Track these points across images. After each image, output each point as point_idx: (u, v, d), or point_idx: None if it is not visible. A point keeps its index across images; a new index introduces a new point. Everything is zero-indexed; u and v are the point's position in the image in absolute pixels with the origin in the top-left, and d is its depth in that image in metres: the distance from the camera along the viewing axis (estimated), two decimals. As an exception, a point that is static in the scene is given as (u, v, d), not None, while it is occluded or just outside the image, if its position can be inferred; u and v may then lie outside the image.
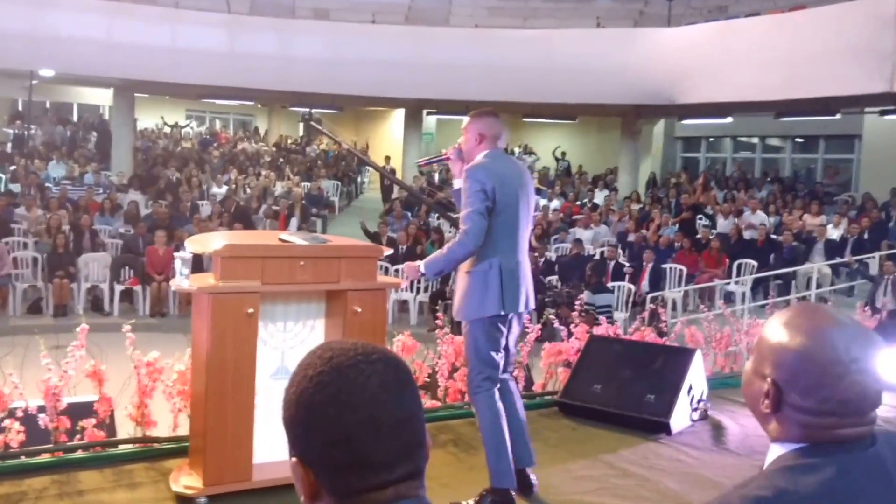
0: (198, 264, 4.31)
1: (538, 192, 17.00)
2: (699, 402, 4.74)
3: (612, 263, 10.61)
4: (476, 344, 3.28)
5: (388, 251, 4.07)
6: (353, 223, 15.42)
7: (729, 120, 16.13)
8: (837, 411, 1.12)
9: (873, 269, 10.64)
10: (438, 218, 13.47)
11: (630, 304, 9.91)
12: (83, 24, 14.04)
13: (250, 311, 3.24)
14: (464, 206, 3.21)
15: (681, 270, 10.81)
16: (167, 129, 22.20)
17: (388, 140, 22.84)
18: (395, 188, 16.63)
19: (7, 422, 3.43)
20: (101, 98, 20.95)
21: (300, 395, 0.92)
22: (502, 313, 3.26)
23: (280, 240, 3.50)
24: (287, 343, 3.52)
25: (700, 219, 13.41)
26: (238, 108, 24.01)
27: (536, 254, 10.89)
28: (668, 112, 16.66)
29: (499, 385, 3.35)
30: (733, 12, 16.77)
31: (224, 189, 15.75)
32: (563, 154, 20.14)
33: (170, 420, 3.81)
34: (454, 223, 10.30)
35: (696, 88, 13.95)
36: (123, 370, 3.82)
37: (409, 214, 13.76)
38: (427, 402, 4.62)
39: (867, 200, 13.64)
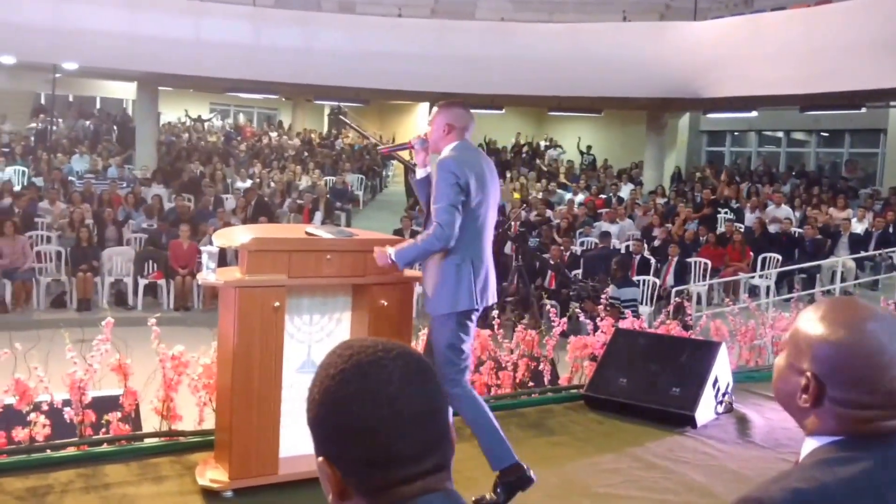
0: (221, 258, 4.32)
1: (564, 187, 16.96)
2: (724, 395, 4.71)
3: (638, 258, 10.53)
4: (451, 338, 3.22)
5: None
6: (377, 217, 15.44)
7: (754, 114, 15.94)
8: (879, 404, 1.12)
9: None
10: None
11: (655, 298, 9.84)
12: (106, 16, 14.14)
13: (277, 304, 3.23)
14: (438, 200, 3.14)
15: (705, 264, 10.71)
16: (190, 123, 22.34)
17: (412, 134, 22.33)
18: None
19: (33, 415, 3.45)
20: (125, 92, 21.11)
21: (323, 394, 0.92)
22: (476, 307, 3.21)
23: (306, 233, 3.49)
24: (313, 336, 3.51)
25: (725, 212, 13.28)
26: (262, 101, 24.07)
27: (562, 247, 10.83)
28: (694, 106, 16.50)
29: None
30: (759, 6, 16.54)
31: (248, 183, 15.83)
32: (589, 147, 20.00)
33: (195, 414, 3.81)
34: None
35: (721, 82, 13.80)
36: (148, 364, 3.83)
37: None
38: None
39: (893, 194, 13.49)
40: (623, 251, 11.05)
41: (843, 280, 10.48)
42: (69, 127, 19.64)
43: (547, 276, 10.37)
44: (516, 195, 15.32)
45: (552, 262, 10.30)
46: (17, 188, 13.26)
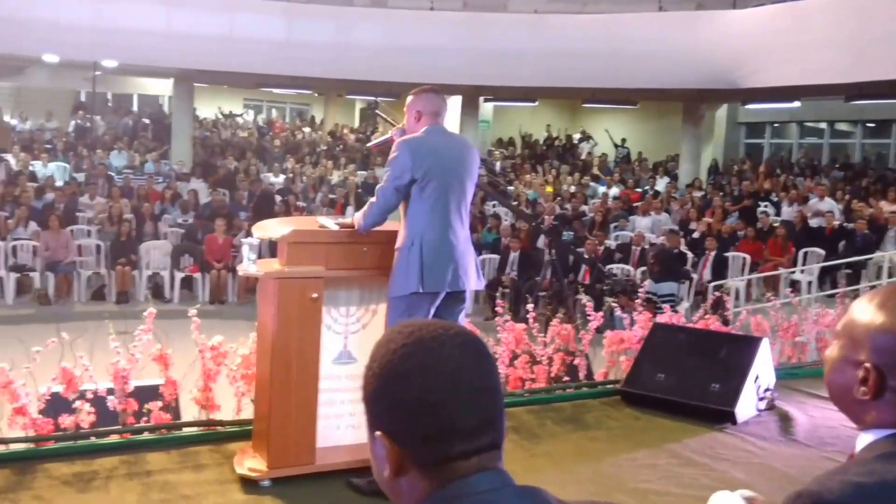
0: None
1: (597, 180, 16.81)
2: (766, 391, 4.62)
3: (676, 252, 10.39)
4: (402, 318, 3.19)
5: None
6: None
7: (796, 104, 15.57)
8: None
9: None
10: (495, 205, 13.39)
11: (692, 293, 9.71)
12: (144, 14, 14.36)
13: (315, 295, 3.25)
14: (383, 179, 3.24)
15: (744, 259, 10.53)
16: (222, 119, 22.60)
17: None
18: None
19: (78, 403, 3.52)
20: (161, 88, 21.44)
21: (384, 368, 0.94)
22: (420, 291, 3.16)
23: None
24: (350, 328, 3.53)
25: (765, 206, 13.03)
26: (294, 97, 24.27)
27: (596, 241, 10.75)
28: (732, 97, 16.21)
29: None
30: (801, -7, 16.18)
31: (281, 178, 15.95)
32: (623, 140, 19.80)
33: (233, 404, 3.86)
34: (512, 209, 10.27)
35: (761, 72, 13.52)
36: (186, 355, 3.88)
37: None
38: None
39: (943, 185, 13.08)
40: (658, 245, 10.91)
41: (890, 276, 10.22)
42: (110, 124, 20.01)
43: (581, 271, 10.29)
44: (549, 189, 15.22)
45: (586, 257, 10.22)
46: (58, 183, 13.53)
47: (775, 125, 20.27)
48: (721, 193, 14.02)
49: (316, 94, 23.72)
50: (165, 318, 4.08)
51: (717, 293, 6.18)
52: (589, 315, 5.02)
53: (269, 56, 14.76)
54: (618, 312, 5.36)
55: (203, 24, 14.69)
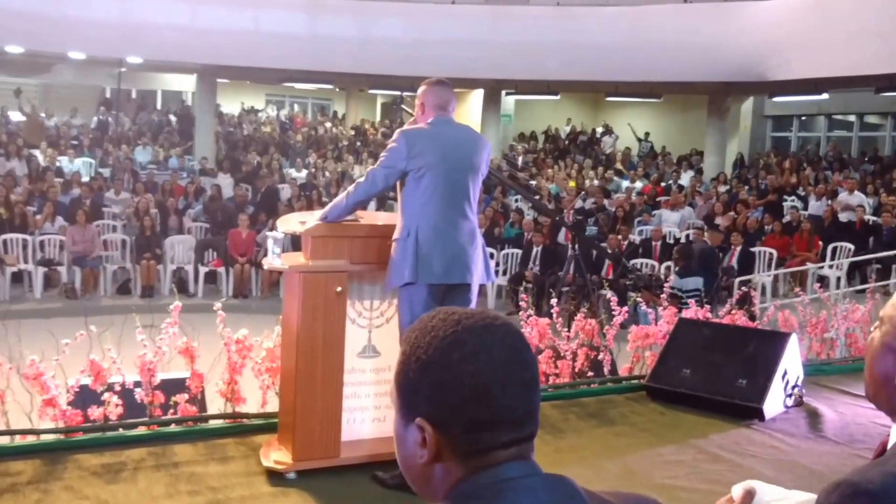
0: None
1: (620, 174, 16.68)
2: (794, 387, 4.56)
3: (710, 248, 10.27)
4: (404, 312, 3.21)
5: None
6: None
7: (824, 96, 15.31)
8: None
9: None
10: (517, 199, 13.35)
11: (717, 289, 9.60)
12: (169, 10, 14.47)
13: (339, 289, 3.26)
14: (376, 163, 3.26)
15: (771, 254, 10.40)
16: (246, 115, 22.75)
17: (466, 121, 22.56)
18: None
19: (106, 395, 3.56)
20: (184, 84, 21.61)
21: (432, 355, 0.93)
22: (412, 282, 3.13)
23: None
24: (374, 322, 3.53)
25: (791, 200, 12.85)
26: (316, 92, 24.33)
27: (620, 236, 10.67)
28: (759, 89, 15.97)
29: None
30: (831, -17, 15.90)
31: (304, 173, 16.01)
32: (647, 134, 19.62)
33: (258, 396, 3.88)
34: (533, 203, 10.21)
35: (788, 64, 13.31)
36: (211, 348, 3.91)
37: (489, 197, 13.69)
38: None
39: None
40: (683, 240, 10.82)
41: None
42: (133, 120, 20.22)
43: (605, 266, 10.23)
44: (571, 183, 15.14)
45: (609, 252, 10.16)
46: (84, 179, 13.69)
47: (803, 118, 19.96)
48: (747, 188, 13.84)
49: (338, 89, 23.77)
50: (190, 311, 4.11)
51: (744, 288, 6.10)
52: (613, 310, 4.98)
53: (291, 51, 14.81)
54: (642, 307, 5.31)
55: (226, 21, 14.77)
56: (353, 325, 3.45)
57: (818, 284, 8.78)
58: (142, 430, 3.60)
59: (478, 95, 19.09)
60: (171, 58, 15.10)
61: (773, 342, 4.62)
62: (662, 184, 15.11)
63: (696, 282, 8.80)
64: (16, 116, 18.16)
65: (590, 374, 4.83)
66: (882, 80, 12.82)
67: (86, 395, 3.54)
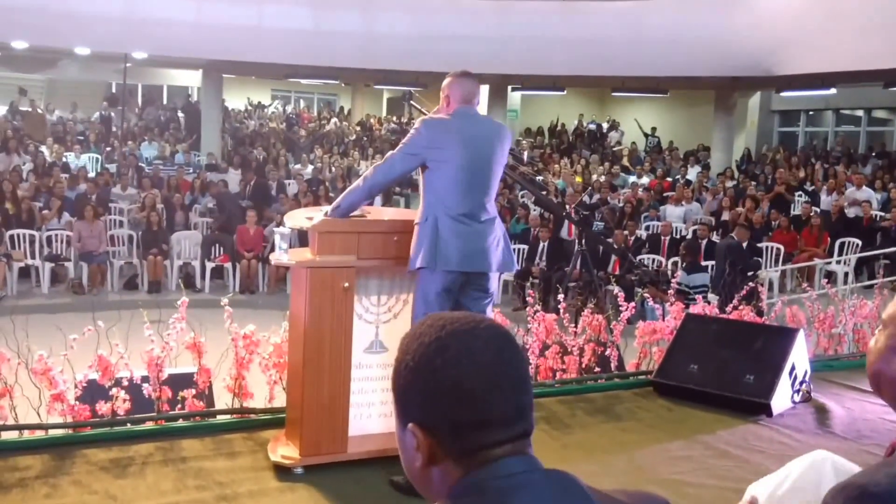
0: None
1: (627, 170, 16.62)
2: (801, 383, 4.54)
3: (705, 242, 10.26)
4: (416, 300, 3.25)
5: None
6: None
7: (832, 91, 15.22)
8: None
9: None
10: (524, 195, 13.31)
11: (721, 284, 9.58)
12: (173, 5, 14.45)
13: (346, 285, 3.25)
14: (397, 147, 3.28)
15: (778, 249, 10.36)
16: (253, 110, 22.76)
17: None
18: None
19: (114, 390, 3.57)
20: (190, 80, 21.63)
21: (419, 360, 0.95)
22: (424, 266, 3.15)
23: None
24: (381, 317, 3.53)
25: (799, 195, 12.80)
26: (322, 87, 24.33)
27: (627, 231, 10.63)
28: (766, 84, 15.91)
29: None
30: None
31: (310, 168, 16.02)
32: (654, 130, 19.56)
33: (266, 392, 3.88)
34: (539, 198, 10.18)
35: (796, 58, 13.24)
36: (219, 344, 3.91)
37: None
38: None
39: None
40: (690, 236, 10.79)
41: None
42: (143, 115, 20.26)
43: (611, 261, 10.21)
44: (578, 178, 15.10)
45: (616, 247, 10.13)
46: (91, 174, 13.72)
47: (810, 113, 19.87)
48: (754, 183, 13.79)
49: (343, 85, 23.76)
50: (197, 307, 4.10)
51: (751, 283, 6.07)
52: (620, 305, 4.97)
53: (296, 46, 14.80)
54: (650, 303, 5.30)
55: (232, 16, 14.76)
56: (360, 320, 3.44)
57: (826, 280, 8.75)
58: (149, 425, 3.61)
59: (484, 91, 18.96)
60: (176, 53, 15.10)
61: (781, 338, 4.61)
62: (668, 179, 15.07)
63: (703, 277, 8.79)
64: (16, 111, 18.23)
65: (597, 369, 4.83)
66: (890, 74, 12.74)
67: (94, 390, 3.55)
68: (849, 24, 12.38)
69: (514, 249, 10.73)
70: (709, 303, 5.26)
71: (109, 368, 3.54)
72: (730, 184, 14.02)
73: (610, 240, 10.41)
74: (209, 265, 10.73)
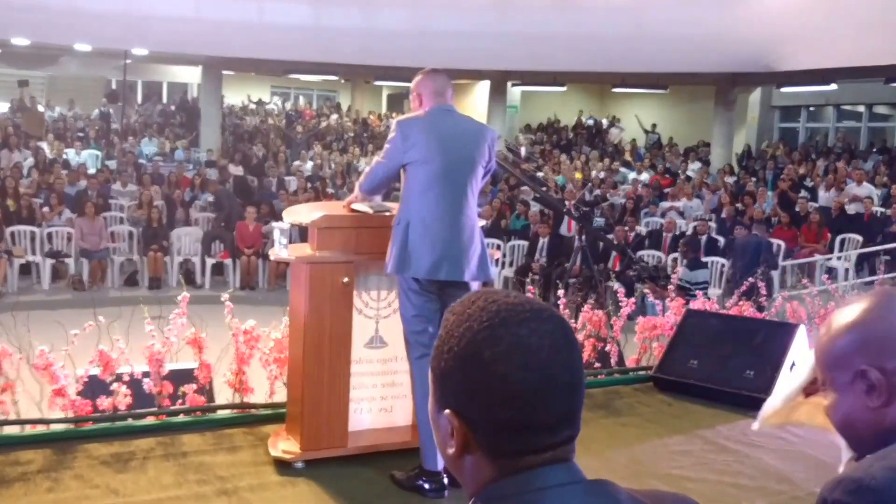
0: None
1: (628, 165, 16.61)
2: (803, 379, 4.53)
3: (705, 238, 10.27)
4: (401, 300, 3.18)
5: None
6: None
7: (833, 87, 15.21)
8: None
9: None
10: (523, 191, 13.30)
11: (724, 280, 9.59)
12: (173, 2, 14.42)
13: (346, 280, 3.26)
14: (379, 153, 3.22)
15: (779, 245, 10.37)
16: (252, 107, 22.76)
17: (471, 113, 22.28)
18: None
19: (115, 385, 3.58)
20: (190, 76, 21.63)
21: (464, 348, 0.87)
22: (390, 272, 3.09)
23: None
24: (381, 312, 3.53)
25: (802, 196, 12.80)
26: (321, 83, 24.32)
27: (627, 227, 10.63)
28: (766, 80, 15.87)
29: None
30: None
31: (310, 164, 16.02)
32: (654, 126, 19.55)
33: (266, 387, 3.89)
34: (539, 194, 10.19)
35: (796, 54, 13.22)
36: (219, 339, 3.92)
37: (495, 189, 13.67)
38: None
39: None
40: (689, 232, 10.80)
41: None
42: (142, 112, 20.26)
43: (611, 257, 10.22)
44: (578, 175, 15.10)
45: (615, 243, 10.14)
46: (91, 171, 13.72)
47: (811, 109, 19.84)
48: (754, 179, 13.78)
49: (343, 81, 23.75)
50: (197, 303, 4.11)
51: (751, 279, 6.08)
52: (620, 301, 4.98)
53: (296, 42, 14.78)
54: (650, 299, 5.30)
55: (231, 12, 14.73)
56: (360, 315, 3.45)
57: (826, 276, 8.74)
58: (150, 420, 3.62)
59: (484, 87, 19.03)
60: (175, 49, 15.09)
61: (781, 333, 4.61)
62: (668, 176, 15.06)
63: (704, 274, 8.80)
64: (20, 108, 18.23)
65: (597, 365, 4.84)
66: (891, 70, 12.72)
67: (95, 385, 3.56)
68: (850, 19, 12.36)
69: (514, 245, 10.85)
70: (709, 299, 5.26)
71: (110, 364, 3.55)
72: (730, 179, 14.02)
73: (610, 236, 10.42)
74: (209, 261, 10.74)
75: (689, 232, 10.84)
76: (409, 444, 3.39)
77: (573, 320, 4.91)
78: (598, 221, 11.34)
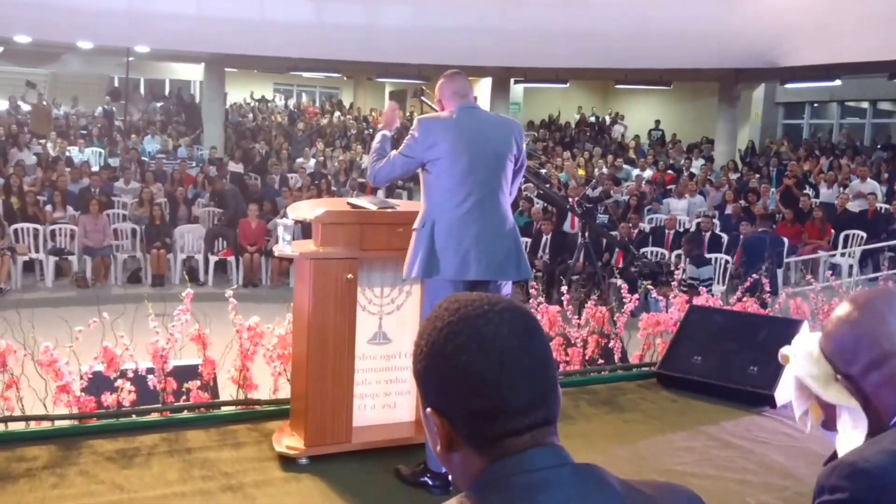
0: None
1: (631, 162, 16.59)
2: (806, 375, 4.52)
3: (708, 235, 10.25)
4: (424, 304, 3.15)
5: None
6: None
7: (836, 83, 15.17)
8: None
9: None
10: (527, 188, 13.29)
11: (727, 277, 9.58)
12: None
13: (349, 276, 3.26)
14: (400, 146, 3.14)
15: (783, 242, 10.35)
16: (255, 104, 22.76)
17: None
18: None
19: (120, 382, 3.58)
20: (192, 73, 21.64)
21: (431, 346, 0.93)
22: (414, 275, 3.03)
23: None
24: (384, 309, 3.53)
25: (806, 193, 12.78)
26: (324, 81, 24.31)
27: (630, 224, 10.62)
28: (770, 76, 15.85)
29: None
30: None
31: (312, 162, 16.02)
32: (658, 122, 19.52)
33: (270, 383, 3.90)
34: (544, 191, 10.17)
35: (800, 50, 13.19)
36: (222, 336, 3.92)
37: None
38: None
39: None
40: (693, 228, 10.79)
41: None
42: (144, 109, 20.27)
43: (615, 254, 10.21)
44: (581, 171, 15.09)
45: (619, 240, 10.13)
46: (94, 169, 13.73)
47: (815, 105, 19.80)
48: (758, 175, 13.76)
49: (345, 78, 23.73)
50: (200, 300, 4.12)
51: (756, 275, 6.07)
52: (624, 298, 4.97)
53: (298, 40, 14.77)
54: (654, 295, 5.30)
55: (233, 9, 14.73)
56: (363, 311, 3.45)
57: (830, 272, 8.74)
58: (155, 417, 3.63)
59: (486, 83, 19.01)
60: (178, 47, 15.09)
61: (785, 329, 4.59)
62: (671, 172, 15.04)
63: (709, 270, 8.79)
64: (26, 107, 18.24)
65: (600, 361, 4.83)
66: (895, 66, 12.69)
67: (99, 382, 3.57)
68: (854, 14, 12.32)
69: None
70: (713, 295, 5.26)
71: (115, 360, 3.56)
72: (734, 176, 13.99)
73: (614, 233, 10.41)
74: (212, 259, 10.75)
75: (693, 228, 10.83)
76: (413, 440, 3.40)
77: (577, 316, 4.91)
78: (602, 218, 11.33)
